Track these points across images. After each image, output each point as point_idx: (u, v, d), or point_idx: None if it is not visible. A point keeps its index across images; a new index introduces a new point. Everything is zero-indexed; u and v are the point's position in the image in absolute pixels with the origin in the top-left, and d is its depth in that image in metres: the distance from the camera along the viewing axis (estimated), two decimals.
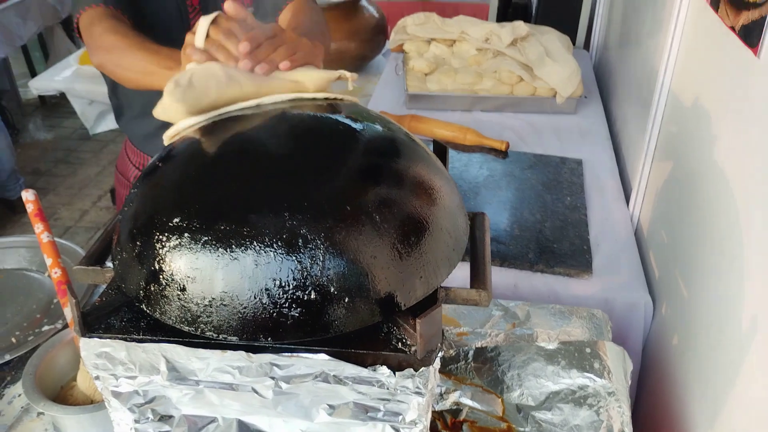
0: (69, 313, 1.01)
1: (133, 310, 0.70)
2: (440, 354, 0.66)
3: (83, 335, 0.67)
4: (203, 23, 0.83)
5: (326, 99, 0.83)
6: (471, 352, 1.02)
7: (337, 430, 0.72)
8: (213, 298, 0.62)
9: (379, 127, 0.78)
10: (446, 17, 2.11)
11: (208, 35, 0.82)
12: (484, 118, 1.84)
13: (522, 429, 0.91)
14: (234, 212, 0.64)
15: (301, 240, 0.62)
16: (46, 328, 1.07)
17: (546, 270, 1.24)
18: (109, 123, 2.57)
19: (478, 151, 1.66)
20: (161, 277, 0.64)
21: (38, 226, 1.06)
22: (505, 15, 2.59)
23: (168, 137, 0.82)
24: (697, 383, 0.99)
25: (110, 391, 0.72)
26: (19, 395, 1.00)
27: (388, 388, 0.67)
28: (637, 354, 1.23)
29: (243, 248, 0.61)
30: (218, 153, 0.73)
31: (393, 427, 0.70)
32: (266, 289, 0.61)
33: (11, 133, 3.21)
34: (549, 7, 2.44)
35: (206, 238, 0.63)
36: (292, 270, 0.61)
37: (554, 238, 1.31)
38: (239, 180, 0.68)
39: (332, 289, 0.62)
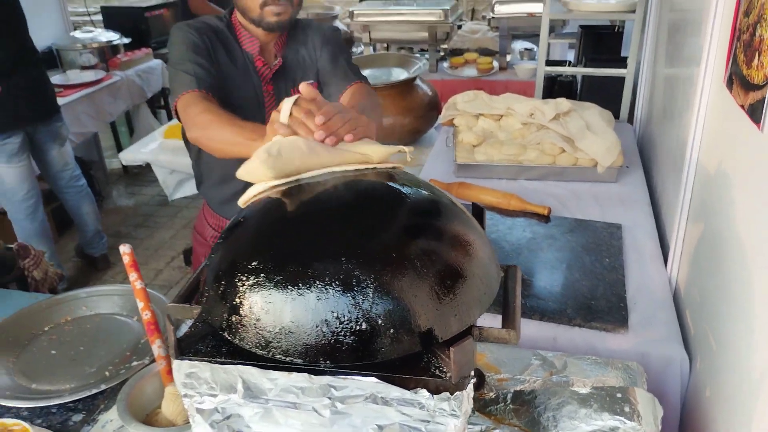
0: (156, 349, 1.17)
1: (216, 338, 0.85)
2: (473, 381, 0.77)
3: (177, 358, 0.82)
4: (287, 104, 1.00)
5: (385, 168, 0.99)
6: (509, 395, 1.11)
7: None
8: (282, 327, 0.76)
9: (424, 192, 0.92)
10: (495, 94, 2.29)
11: (290, 114, 1.00)
12: (528, 186, 1.97)
13: None
14: (301, 257, 0.79)
15: (354, 281, 0.75)
16: (134, 363, 1.23)
17: (583, 324, 1.33)
18: (186, 190, 2.83)
19: (522, 216, 1.78)
20: (241, 309, 0.79)
21: (133, 275, 1.24)
22: (551, 92, 2.75)
23: (242, 202, 0.99)
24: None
25: (195, 408, 0.86)
26: (111, 420, 1.15)
27: (427, 410, 0.78)
28: (676, 407, 1.28)
29: (307, 286, 0.76)
30: (290, 210, 0.88)
31: None
32: (325, 320, 0.75)
33: (97, 200, 3.53)
34: (593, 84, 2.58)
35: (278, 278, 0.77)
36: (347, 305, 0.75)
37: (592, 295, 1.40)
38: (306, 232, 0.83)
39: (380, 322, 0.75)
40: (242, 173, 0.97)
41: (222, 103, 1.33)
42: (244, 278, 0.79)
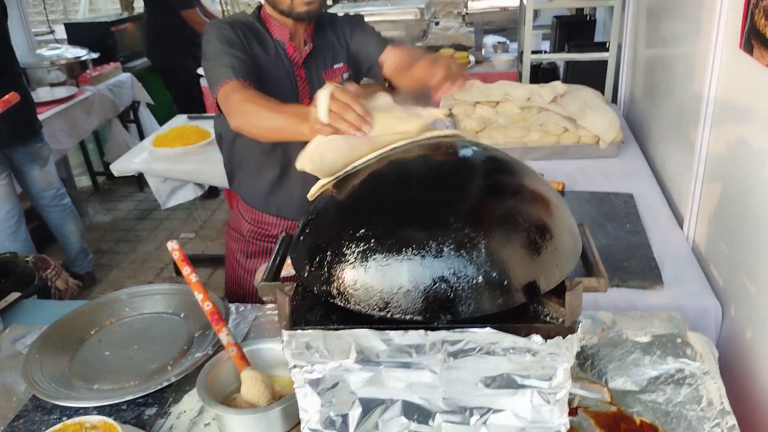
0: (224, 337, 1.18)
1: (323, 308, 0.88)
2: (581, 323, 0.82)
3: (290, 329, 0.84)
4: (323, 98, 1.01)
5: (446, 136, 1.03)
6: None
7: (490, 401, 0.87)
8: (401, 287, 0.80)
9: (500, 155, 0.97)
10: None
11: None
12: (536, 166, 2.03)
13: (631, 409, 1.04)
14: (408, 221, 0.82)
15: (466, 239, 0.80)
16: (198, 354, 1.23)
17: (621, 284, 1.40)
18: (179, 197, 2.80)
19: None
20: (354, 275, 0.82)
21: (186, 269, 1.25)
22: (535, 80, 2.84)
23: (317, 188, 1.02)
24: None
25: (304, 378, 0.88)
26: (185, 411, 1.16)
27: (537, 356, 0.82)
28: None
29: (421, 247, 0.79)
30: (378, 184, 0.92)
31: (539, 393, 0.85)
32: (442, 277, 0.79)
33: None
34: (576, 69, 2.69)
35: (391, 241, 0.81)
36: (462, 261, 0.79)
37: (623, 258, 1.48)
38: (403, 200, 0.86)
39: (494, 275, 0.79)
40: (300, 164, 1.01)
41: (259, 88, 1.35)
42: (354, 246, 0.82)
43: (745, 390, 1.21)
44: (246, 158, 1.60)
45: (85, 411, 1.14)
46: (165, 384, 1.17)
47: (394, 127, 1.03)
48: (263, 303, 1.46)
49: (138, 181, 4.47)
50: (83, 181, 4.60)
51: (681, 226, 1.65)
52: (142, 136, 4.30)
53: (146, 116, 4.47)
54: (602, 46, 2.75)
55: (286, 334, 0.85)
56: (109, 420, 1.06)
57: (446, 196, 0.86)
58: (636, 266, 1.45)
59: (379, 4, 3.50)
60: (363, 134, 1.00)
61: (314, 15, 1.48)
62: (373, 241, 0.82)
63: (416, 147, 1.01)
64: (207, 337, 1.29)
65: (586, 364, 1.16)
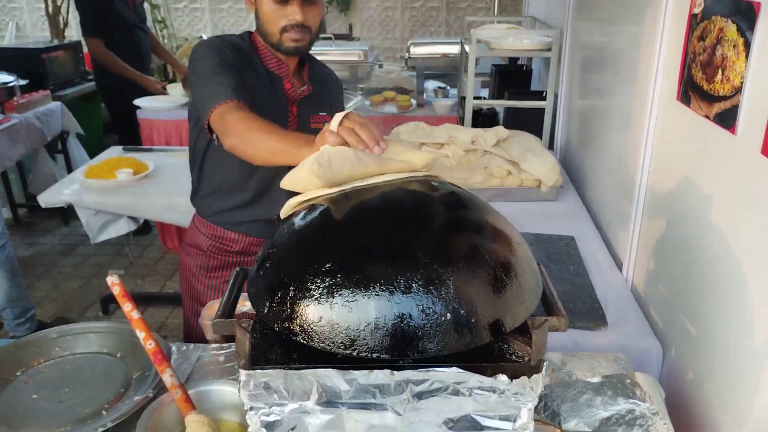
0: (168, 378, 1.12)
1: (283, 346, 0.84)
2: (546, 363, 0.82)
3: (250, 368, 0.80)
4: (338, 116, 1.03)
5: (424, 177, 1.03)
6: None
7: None
8: (368, 323, 0.78)
9: (468, 195, 0.98)
10: None
11: (341, 125, 1.02)
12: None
13: None
14: (377, 256, 0.81)
15: (435, 275, 0.79)
16: (137, 397, 1.15)
17: (569, 326, 1.42)
18: (111, 231, 2.66)
19: None
20: (319, 311, 0.79)
21: (127, 306, 1.18)
22: (475, 124, 2.93)
23: (284, 212, 0.99)
24: (720, 404, 1.16)
25: (261, 421, 0.84)
26: None
27: (502, 396, 0.82)
28: None
29: (391, 283, 0.78)
30: (348, 215, 0.90)
31: None
32: (410, 314, 0.78)
33: None
34: (516, 115, 2.79)
35: (358, 277, 0.79)
36: (431, 298, 0.78)
37: (569, 299, 1.51)
38: (372, 234, 0.85)
39: (462, 312, 0.79)
40: (288, 182, 0.98)
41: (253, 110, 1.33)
42: (319, 281, 0.80)
43: (688, 427, 1.25)
44: (213, 177, 1.59)
45: None
46: (100, 430, 1.08)
47: (404, 154, 1.02)
48: (207, 342, 1.39)
49: (63, 214, 4.25)
50: (3, 213, 4.32)
51: (620, 268, 1.71)
52: (69, 168, 4.11)
53: (75, 147, 4.28)
54: (539, 95, 2.87)
55: (244, 373, 0.81)
56: None
57: (414, 232, 0.85)
58: (581, 307, 1.48)
59: (324, 44, 3.54)
60: (371, 152, 0.99)
61: (302, 51, 1.50)
62: (339, 276, 0.80)
63: (410, 182, 1.00)
64: (146, 379, 1.21)
65: (539, 405, 1.16)
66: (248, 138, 1.23)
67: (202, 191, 1.65)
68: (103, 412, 1.15)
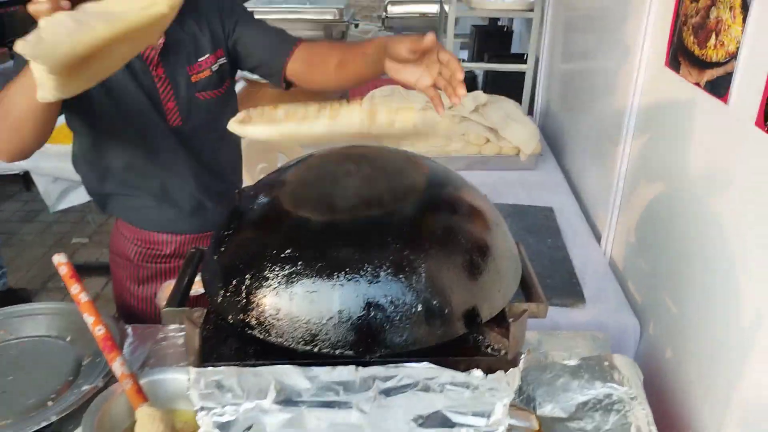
0: (118, 368, 1.03)
1: (239, 340, 0.76)
2: (523, 356, 0.76)
3: (199, 365, 0.72)
4: None
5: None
6: None
7: None
8: (331, 316, 0.70)
9: (450, 177, 0.90)
10: None
11: None
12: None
13: None
14: (341, 241, 0.73)
15: (405, 262, 0.71)
16: (85, 387, 1.07)
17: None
18: (73, 199, 2.53)
19: None
20: (277, 303, 0.71)
21: (75, 287, 1.09)
22: None
23: (237, 121, 0.88)
24: (700, 387, 1.12)
25: (213, 422, 0.76)
26: None
27: (476, 391, 0.75)
28: None
29: (357, 271, 0.70)
30: (307, 196, 0.81)
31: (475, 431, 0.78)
32: (378, 305, 0.70)
33: None
34: (495, 79, 2.69)
35: (321, 265, 0.71)
36: (401, 288, 0.70)
37: (546, 274, 1.45)
38: (335, 216, 0.77)
39: (435, 303, 0.71)
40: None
41: (112, 112, 1.18)
42: (277, 268, 0.72)
43: (667, 411, 1.21)
44: (115, 175, 1.37)
45: None
46: (44, 424, 1.00)
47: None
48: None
49: (24, 179, 4.07)
50: None
51: (599, 241, 1.66)
52: None
53: None
54: (520, 58, 2.77)
55: (193, 371, 0.73)
56: None
57: (382, 213, 0.77)
58: (559, 283, 1.43)
59: (298, 1, 3.37)
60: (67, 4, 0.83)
61: None
62: (300, 263, 0.72)
63: (348, 157, 0.92)
64: (98, 366, 1.13)
65: None
66: None
67: (109, 197, 1.42)
68: (49, 403, 1.07)
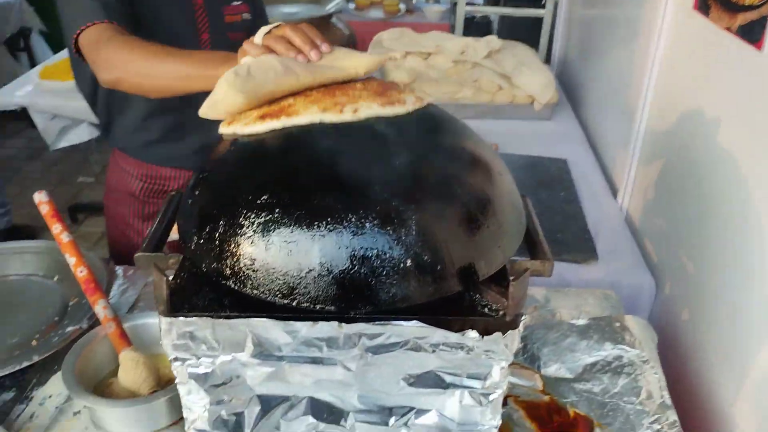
0: (101, 311, 0.99)
1: (214, 290, 0.71)
2: (524, 319, 0.70)
3: (169, 315, 0.67)
4: (264, 29, 0.87)
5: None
6: None
7: (413, 401, 0.74)
8: (311, 270, 0.64)
9: (449, 121, 0.82)
10: None
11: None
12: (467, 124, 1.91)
13: (565, 400, 0.95)
14: (324, 188, 0.66)
15: (394, 212, 0.65)
16: (70, 329, 1.03)
17: (555, 258, 1.30)
18: (72, 138, 2.47)
19: None
20: (253, 253, 0.65)
21: (56, 227, 1.04)
22: (469, 33, 2.70)
23: (226, 124, 0.83)
24: (718, 351, 1.06)
25: (188, 372, 0.71)
26: (50, 397, 0.97)
27: (471, 353, 0.69)
28: None
29: (339, 221, 0.64)
30: (300, 137, 0.74)
31: (471, 393, 0.73)
32: (363, 258, 0.64)
33: None
34: (511, 24, 2.56)
35: (300, 213, 0.65)
36: (388, 240, 0.64)
37: (557, 228, 1.38)
38: (322, 161, 0.70)
39: (425, 258, 0.65)
40: (206, 108, 0.80)
41: (145, 33, 1.09)
42: (253, 215, 0.66)
43: (681, 375, 1.15)
44: (129, 103, 1.32)
45: None
46: (26, 364, 0.97)
47: (342, 60, 0.85)
48: None
49: (29, 115, 4.02)
50: None
51: (615, 196, 1.58)
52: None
53: (39, 45, 3.99)
54: (537, 2, 2.62)
55: (164, 321, 0.68)
56: None
57: (370, 159, 0.70)
58: (570, 238, 1.36)
59: None
60: (304, 58, 0.83)
61: None
62: (277, 210, 0.65)
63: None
64: (83, 307, 1.09)
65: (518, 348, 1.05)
66: (141, 68, 0.99)
67: (116, 124, 1.38)
68: (33, 342, 1.04)
